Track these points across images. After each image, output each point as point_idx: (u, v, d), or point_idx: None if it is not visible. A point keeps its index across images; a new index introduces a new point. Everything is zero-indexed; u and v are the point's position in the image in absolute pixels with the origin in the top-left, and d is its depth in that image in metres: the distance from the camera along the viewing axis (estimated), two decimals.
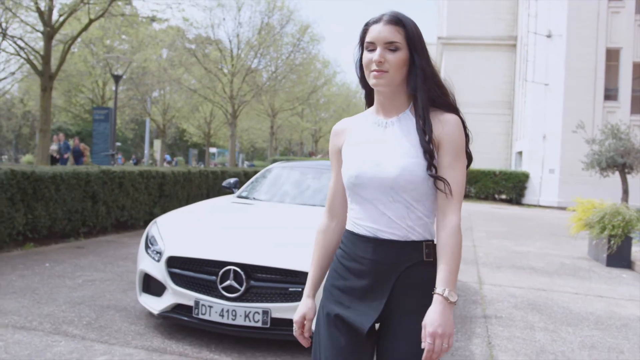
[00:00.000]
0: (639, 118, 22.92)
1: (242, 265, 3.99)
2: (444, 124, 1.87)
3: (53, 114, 41.24)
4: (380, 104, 1.96)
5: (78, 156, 23.15)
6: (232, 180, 6.62)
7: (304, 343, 1.99)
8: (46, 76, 15.15)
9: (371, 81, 1.87)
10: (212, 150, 52.93)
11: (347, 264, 1.93)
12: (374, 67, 1.84)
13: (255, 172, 15.29)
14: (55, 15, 15.17)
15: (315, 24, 43.02)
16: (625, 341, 5.00)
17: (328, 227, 2.06)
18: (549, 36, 25.10)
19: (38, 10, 14.64)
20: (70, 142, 28.42)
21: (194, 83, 29.12)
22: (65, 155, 23.04)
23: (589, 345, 4.80)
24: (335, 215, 2.06)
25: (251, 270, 3.98)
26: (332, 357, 1.88)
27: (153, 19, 19.94)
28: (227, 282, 3.97)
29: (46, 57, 15.11)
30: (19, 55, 15.66)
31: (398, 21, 1.86)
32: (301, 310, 1.99)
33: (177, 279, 4.19)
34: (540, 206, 24.62)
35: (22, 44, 15.72)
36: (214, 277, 4.03)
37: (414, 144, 1.85)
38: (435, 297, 1.78)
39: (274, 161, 29.49)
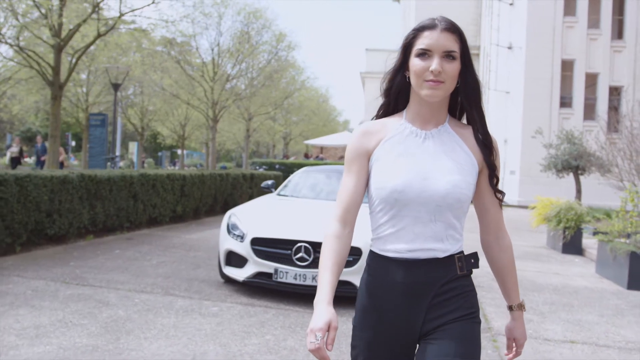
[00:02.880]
0: (590, 124, 24.97)
1: (309, 242, 5.64)
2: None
3: (29, 116, 41.90)
4: (419, 114, 1.84)
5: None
6: (269, 182, 8.27)
7: (326, 358, 1.61)
8: (56, 86, 16.40)
9: (424, 92, 1.74)
10: (180, 152, 54.05)
11: (378, 289, 1.83)
12: (429, 76, 1.72)
13: (242, 172, 16.84)
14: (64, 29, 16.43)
15: (292, 34, 44.50)
16: (575, 300, 6.79)
17: (342, 234, 1.83)
18: (509, 48, 27.13)
19: (49, 25, 15.86)
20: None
21: (171, 85, 30.00)
22: (43, 158, 23.91)
23: (549, 302, 6.58)
24: (349, 222, 1.86)
25: (316, 246, 5.63)
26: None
27: (144, 31, 21.14)
28: (300, 254, 5.62)
29: (56, 68, 16.37)
30: (31, 67, 16.80)
31: (455, 29, 1.78)
32: (325, 317, 1.63)
33: (259, 254, 5.82)
34: (502, 204, 26.57)
35: (31, 55, 16.86)
36: (289, 251, 5.68)
37: (458, 160, 1.80)
38: (515, 313, 1.98)
39: (254, 163, 31.01)
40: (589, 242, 10.88)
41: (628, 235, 8.29)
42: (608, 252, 8.25)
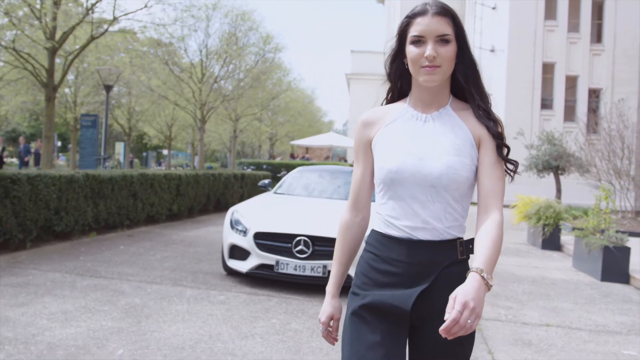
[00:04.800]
0: (570, 125, 25.64)
1: (308, 236, 6.14)
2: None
3: (15, 117, 41.91)
4: (421, 98, 1.86)
5: (38, 161, 23.12)
6: (266, 181, 8.80)
7: (332, 342, 1.96)
8: (50, 87, 16.75)
9: (422, 77, 1.77)
10: (165, 152, 54.34)
11: (378, 267, 1.85)
12: (425, 62, 1.74)
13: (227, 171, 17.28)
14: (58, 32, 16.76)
15: (279, 36, 45.03)
16: (552, 291, 7.34)
17: (353, 223, 1.97)
18: (492, 51, 27.78)
19: (42, 27, 16.17)
20: (33, 145, 29.41)
21: (159, 86, 30.21)
22: (26, 159, 24.05)
23: (527, 292, 7.12)
24: (360, 210, 1.97)
25: (314, 239, 6.13)
26: (363, 352, 1.78)
27: (134, 33, 21.48)
28: (299, 247, 6.12)
29: (50, 70, 16.70)
30: (25, 69, 17.10)
31: (446, 12, 1.77)
32: (327, 311, 1.93)
33: (261, 247, 6.30)
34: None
35: (25, 56, 17.13)
36: (289, 245, 6.17)
37: (457, 142, 1.80)
38: (471, 274, 1.57)
39: (241, 164, 31.43)
40: (567, 238, 11.45)
41: (602, 231, 8.84)
42: (583, 246, 8.81)
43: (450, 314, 1.46)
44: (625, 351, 4.90)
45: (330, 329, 1.95)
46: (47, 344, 4.14)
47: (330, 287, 1.96)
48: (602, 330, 5.52)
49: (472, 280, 1.54)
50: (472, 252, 1.80)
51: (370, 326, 1.80)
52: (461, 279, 1.68)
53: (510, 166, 1.88)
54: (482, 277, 1.56)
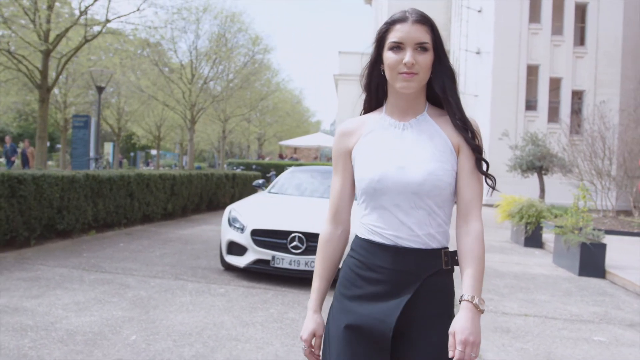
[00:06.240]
0: (554, 126, 26.13)
1: (302, 233, 6.53)
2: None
3: (5, 117, 41.92)
4: (397, 106, 1.86)
5: (25, 161, 23.53)
6: (260, 181, 9.21)
7: None
8: (44, 89, 17.01)
9: (399, 84, 1.77)
10: (153, 152, 54.47)
11: (362, 274, 1.83)
12: (403, 69, 1.74)
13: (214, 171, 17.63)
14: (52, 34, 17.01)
15: (268, 37, 45.34)
16: (532, 285, 7.77)
17: (333, 236, 1.95)
18: (478, 53, 28.27)
19: (37, 30, 16.41)
20: (21, 146, 29.51)
21: (148, 87, 30.41)
22: (12, 158, 24.22)
23: (509, 286, 7.55)
24: (341, 222, 1.95)
25: (308, 236, 6.53)
26: None
27: (126, 35, 21.73)
28: (294, 243, 6.52)
29: (44, 72, 16.96)
30: (19, 70, 17.33)
31: (426, 20, 1.78)
32: (309, 327, 1.89)
33: (258, 243, 6.68)
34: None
35: (19, 58, 17.36)
36: (284, 241, 6.57)
37: (437, 148, 1.80)
38: (464, 303, 1.65)
39: (230, 164, 31.74)
40: (548, 236, 11.87)
41: (580, 229, 9.29)
42: (563, 243, 9.27)
43: (455, 355, 1.58)
44: (595, 337, 5.34)
45: (313, 347, 1.90)
46: (66, 330, 4.51)
47: (312, 302, 1.94)
48: (576, 319, 5.96)
49: (466, 311, 1.64)
50: (457, 264, 1.83)
51: (352, 344, 1.79)
52: (445, 290, 1.80)
53: (490, 181, 1.88)
54: (475, 305, 1.65)
